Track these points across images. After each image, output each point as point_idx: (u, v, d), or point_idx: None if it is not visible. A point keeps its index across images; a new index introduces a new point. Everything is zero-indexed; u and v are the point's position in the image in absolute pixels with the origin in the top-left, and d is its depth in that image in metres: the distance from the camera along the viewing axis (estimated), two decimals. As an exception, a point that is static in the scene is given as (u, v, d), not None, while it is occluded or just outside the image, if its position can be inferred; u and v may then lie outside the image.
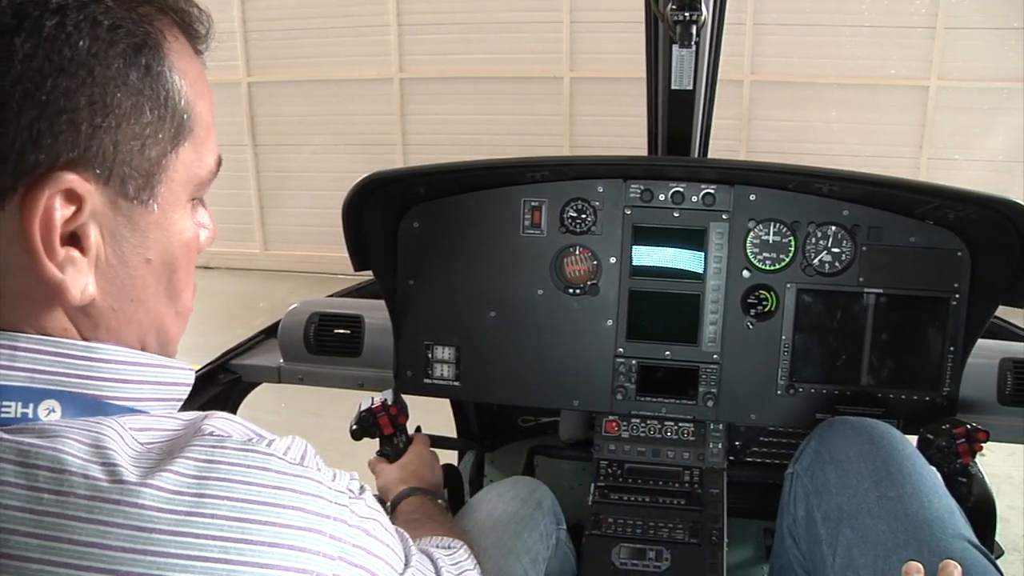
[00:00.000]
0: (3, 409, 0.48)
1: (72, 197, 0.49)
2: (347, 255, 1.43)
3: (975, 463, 1.33)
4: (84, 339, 0.53)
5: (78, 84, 0.47)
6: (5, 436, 0.46)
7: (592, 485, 1.49)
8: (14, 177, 0.47)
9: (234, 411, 1.68)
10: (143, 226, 0.53)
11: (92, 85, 0.48)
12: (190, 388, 0.60)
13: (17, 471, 0.45)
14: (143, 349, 0.57)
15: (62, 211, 0.48)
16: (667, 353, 1.50)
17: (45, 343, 0.51)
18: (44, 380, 0.50)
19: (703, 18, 1.17)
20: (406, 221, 1.53)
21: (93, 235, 0.51)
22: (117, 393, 0.53)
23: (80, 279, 0.50)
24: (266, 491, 0.48)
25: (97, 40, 0.48)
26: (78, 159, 0.48)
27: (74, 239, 0.50)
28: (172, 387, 0.58)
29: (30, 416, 0.49)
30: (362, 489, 0.59)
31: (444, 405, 1.95)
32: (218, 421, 0.53)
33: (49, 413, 0.50)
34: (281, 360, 1.64)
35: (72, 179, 0.48)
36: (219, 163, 0.60)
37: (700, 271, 1.47)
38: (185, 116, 0.54)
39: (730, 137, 5.95)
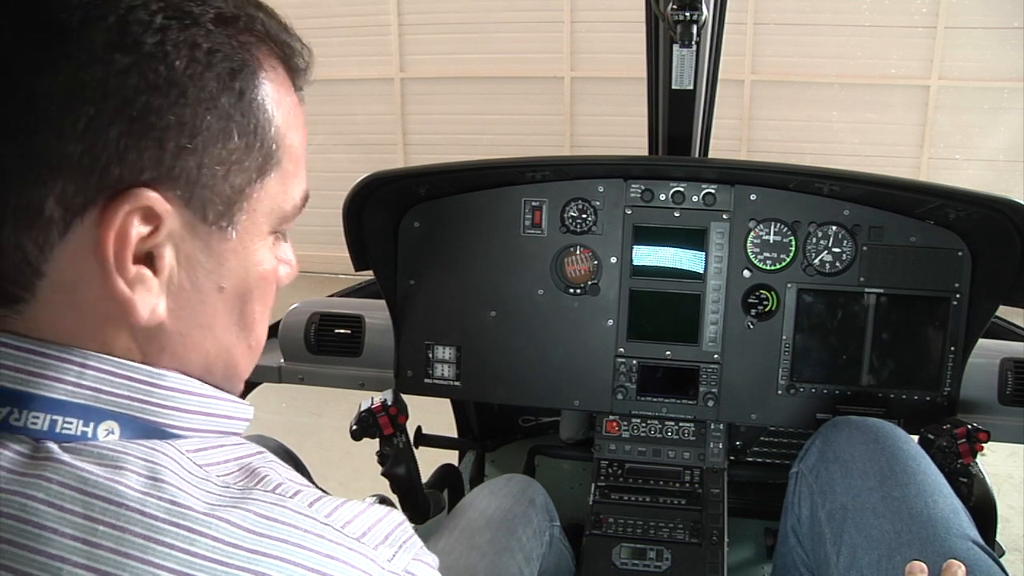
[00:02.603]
0: (65, 425, 0.48)
1: (151, 216, 0.48)
2: (347, 255, 1.42)
3: (976, 463, 1.33)
4: (146, 361, 0.53)
5: (169, 103, 0.47)
6: (67, 460, 0.46)
7: (592, 485, 1.49)
8: (96, 190, 0.47)
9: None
10: (219, 253, 0.53)
11: (183, 105, 0.48)
12: (247, 423, 0.60)
13: (75, 498, 0.45)
14: (207, 378, 0.57)
15: (138, 228, 0.48)
16: (668, 353, 1.50)
17: (113, 364, 0.50)
18: (107, 401, 0.50)
19: (704, 18, 1.17)
20: (406, 221, 1.53)
21: (168, 257, 0.50)
22: (178, 422, 0.53)
23: (150, 299, 0.50)
24: (317, 558, 0.47)
25: (194, 62, 0.48)
26: (161, 178, 0.48)
27: (149, 259, 0.50)
28: (231, 421, 0.57)
29: (89, 435, 0.48)
30: (427, 570, 0.56)
31: (444, 405, 1.95)
32: (276, 471, 0.52)
33: (108, 434, 0.49)
34: (282, 360, 1.64)
35: (153, 197, 0.48)
36: (306, 198, 0.59)
37: (701, 271, 1.47)
38: (274, 147, 0.54)
39: (731, 137, 5.95)
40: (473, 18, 6.24)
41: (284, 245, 0.62)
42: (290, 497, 0.49)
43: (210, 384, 0.57)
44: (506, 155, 1.50)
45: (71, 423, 0.48)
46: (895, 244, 1.41)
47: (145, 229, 0.48)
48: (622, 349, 1.50)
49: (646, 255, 1.49)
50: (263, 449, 0.55)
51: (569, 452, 1.84)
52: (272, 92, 0.53)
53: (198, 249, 0.52)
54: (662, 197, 1.47)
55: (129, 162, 0.47)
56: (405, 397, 1.45)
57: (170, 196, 0.49)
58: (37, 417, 0.48)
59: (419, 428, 1.87)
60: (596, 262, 1.49)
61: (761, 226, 1.45)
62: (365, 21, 6.43)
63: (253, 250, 0.55)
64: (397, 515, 0.55)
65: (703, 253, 1.46)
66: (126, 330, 0.51)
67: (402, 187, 1.45)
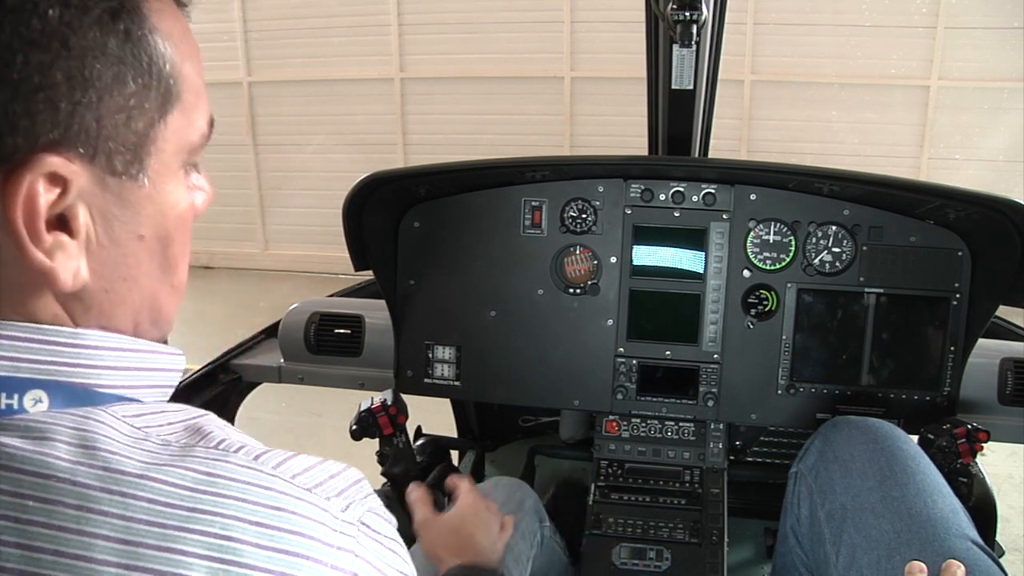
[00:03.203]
0: None
1: (56, 179, 0.46)
2: (347, 255, 1.43)
3: (976, 463, 1.33)
4: (75, 324, 0.51)
5: (52, 58, 0.44)
6: None
7: (592, 485, 1.49)
8: None
9: (234, 411, 1.68)
10: (134, 202, 0.50)
11: (68, 58, 0.44)
12: (181, 373, 0.58)
13: (1, 475, 0.43)
14: (136, 328, 0.54)
15: (46, 195, 0.45)
16: (667, 353, 1.50)
17: (30, 330, 0.48)
18: (29, 369, 0.47)
19: (703, 18, 1.17)
20: (406, 221, 1.53)
21: (82, 216, 0.48)
22: (107, 381, 0.50)
23: (70, 264, 0.48)
24: (263, 511, 0.44)
25: (69, 8, 0.44)
26: (60, 139, 0.45)
27: (61, 222, 0.47)
28: (163, 373, 0.55)
29: (15, 407, 0.46)
30: (384, 525, 0.52)
31: (444, 405, 1.95)
32: (222, 429, 0.50)
33: (36, 404, 0.47)
34: (281, 360, 1.64)
35: (55, 161, 0.45)
36: (211, 124, 0.56)
37: (700, 271, 1.47)
38: (172, 81, 0.51)
39: (730, 137, 5.96)
40: (473, 18, 6.25)
41: (195, 175, 0.59)
42: (234, 452, 0.47)
43: (140, 335, 0.55)
44: (506, 155, 1.50)
45: None
46: (895, 244, 1.41)
47: (52, 194, 0.46)
48: (622, 349, 1.50)
49: (646, 255, 1.49)
50: (208, 412, 0.53)
51: (569, 452, 1.84)
52: (160, 24, 0.50)
53: (111, 202, 0.49)
54: (662, 197, 1.47)
55: (23, 129, 0.44)
56: (405, 397, 1.45)
57: (72, 155, 0.46)
58: None
59: (419, 428, 1.87)
60: (596, 262, 1.49)
61: (761, 226, 1.45)
62: (365, 21, 6.44)
63: (167, 191, 0.53)
64: (355, 472, 0.52)
65: (703, 253, 1.46)
66: (50, 297, 0.49)
67: (402, 187, 1.45)
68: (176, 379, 0.57)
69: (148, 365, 0.54)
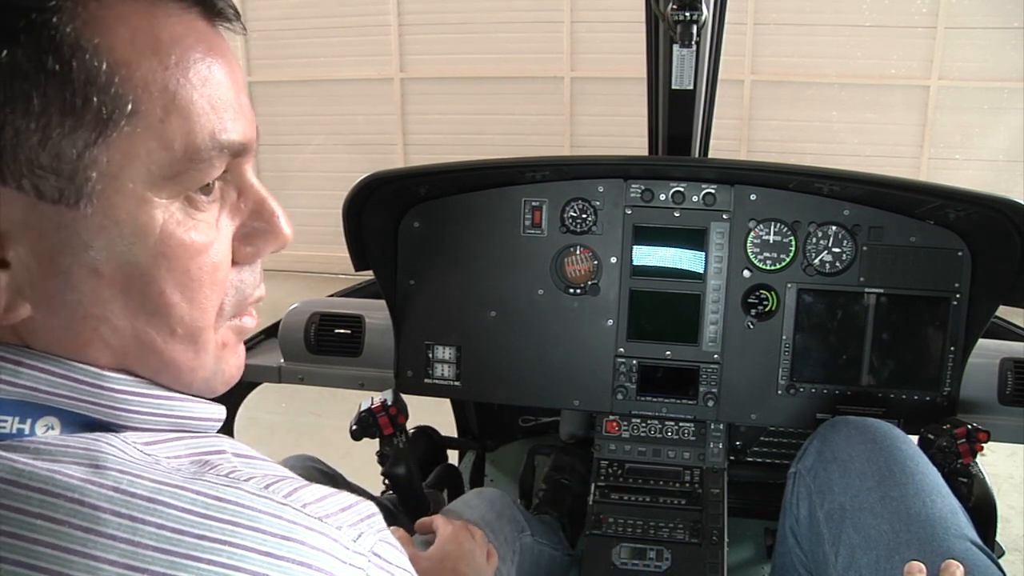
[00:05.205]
0: None
1: None
2: (347, 255, 1.43)
3: (976, 463, 1.33)
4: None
5: None
6: (1, 454, 0.43)
7: (592, 485, 1.49)
8: None
9: (234, 411, 1.68)
10: (80, 231, 0.45)
11: None
12: (219, 424, 0.55)
13: (8, 492, 0.42)
14: (140, 374, 0.51)
15: None
16: (667, 353, 1.50)
17: (53, 362, 0.47)
18: (44, 398, 0.46)
19: (703, 18, 1.17)
20: (406, 221, 1.53)
21: (14, 247, 0.44)
22: (125, 422, 0.49)
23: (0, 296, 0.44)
24: (272, 540, 0.43)
25: None
26: None
27: None
28: (193, 421, 0.53)
29: (26, 432, 0.45)
30: (396, 555, 0.51)
31: (444, 405, 1.95)
32: (239, 465, 0.48)
33: (47, 430, 0.46)
34: (281, 360, 1.64)
35: None
36: (219, 147, 0.48)
37: (701, 271, 1.47)
38: (118, 94, 0.44)
39: (731, 137, 5.95)
40: (473, 18, 6.24)
41: (208, 207, 0.50)
42: (244, 481, 0.46)
43: (163, 385, 0.52)
44: (506, 155, 1.50)
45: (5, 420, 0.45)
46: (895, 244, 1.41)
47: None
48: (622, 349, 1.50)
49: (646, 255, 1.49)
50: (224, 449, 0.51)
51: (569, 452, 1.84)
52: (103, 30, 0.43)
53: (51, 231, 0.44)
54: (662, 197, 1.47)
55: None
56: (405, 397, 1.45)
57: None
58: None
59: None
60: (596, 262, 1.49)
61: (761, 226, 1.45)
62: (365, 21, 6.43)
63: (129, 222, 0.46)
64: (369, 505, 0.51)
65: (703, 253, 1.47)
66: (6, 329, 0.47)
67: (402, 187, 1.45)
68: (211, 429, 0.55)
69: (177, 413, 0.52)
